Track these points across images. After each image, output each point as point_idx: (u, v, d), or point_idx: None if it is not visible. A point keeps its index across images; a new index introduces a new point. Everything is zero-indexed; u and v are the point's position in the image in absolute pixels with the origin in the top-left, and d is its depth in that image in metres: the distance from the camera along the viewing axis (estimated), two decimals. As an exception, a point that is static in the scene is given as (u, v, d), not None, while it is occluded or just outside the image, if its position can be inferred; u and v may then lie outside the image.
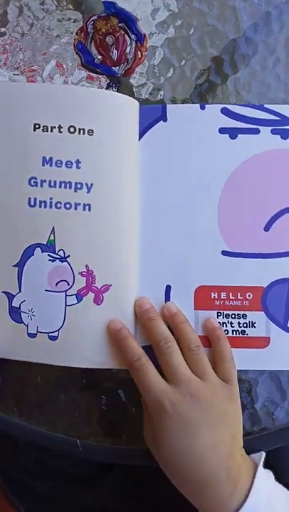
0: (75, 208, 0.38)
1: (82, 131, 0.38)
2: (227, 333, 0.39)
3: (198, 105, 0.41)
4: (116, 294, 0.38)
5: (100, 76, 0.42)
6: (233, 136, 0.41)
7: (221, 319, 0.39)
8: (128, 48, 0.42)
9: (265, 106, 0.41)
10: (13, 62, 0.42)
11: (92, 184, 0.38)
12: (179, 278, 0.40)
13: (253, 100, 0.42)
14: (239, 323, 0.39)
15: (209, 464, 0.34)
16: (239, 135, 0.41)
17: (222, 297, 0.40)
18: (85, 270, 0.38)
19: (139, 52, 0.42)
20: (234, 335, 0.39)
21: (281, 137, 0.40)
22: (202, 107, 0.41)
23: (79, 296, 0.38)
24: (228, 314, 0.40)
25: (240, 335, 0.39)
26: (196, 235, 0.40)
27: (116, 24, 0.42)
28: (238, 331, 0.39)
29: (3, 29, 0.43)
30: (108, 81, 0.42)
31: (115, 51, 0.42)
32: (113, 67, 0.42)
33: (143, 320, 0.38)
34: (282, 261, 0.40)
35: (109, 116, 0.39)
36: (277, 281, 0.40)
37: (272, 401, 0.40)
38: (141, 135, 0.41)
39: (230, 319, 0.39)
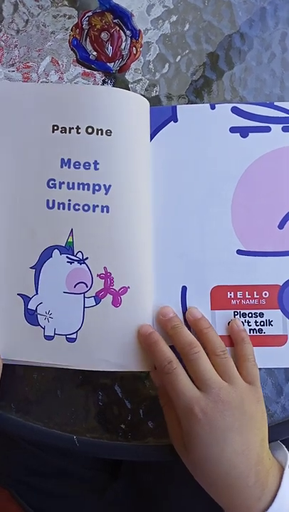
0: (94, 210, 0.38)
1: (100, 131, 0.38)
2: None
3: (208, 105, 0.41)
4: (134, 296, 0.38)
5: (95, 72, 0.42)
6: (244, 135, 0.41)
7: (237, 318, 0.40)
8: (123, 44, 0.42)
9: (275, 104, 0.41)
10: (8, 58, 0.42)
11: (110, 186, 0.38)
12: (194, 279, 0.40)
13: (249, 96, 0.42)
14: (256, 322, 0.39)
15: (239, 470, 0.34)
16: (250, 134, 0.41)
17: (238, 296, 0.40)
18: (103, 272, 0.38)
19: (134, 48, 0.42)
20: (251, 334, 0.39)
21: None
22: (212, 107, 0.41)
23: (97, 298, 0.38)
24: (245, 313, 0.40)
25: (258, 333, 0.39)
26: (211, 235, 0.40)
27: (111, 20, 0.42)
28: (255, 329, 0.39)
29: (-2, 26, 0.42)
30: (103, 77, 0.42)
31: (110, 47, 0.42)
32: (108, 64, 0.42)
33: (167, 328, 0.38)
34: None
35: (125, 115, 0.39)
36: None
37: (268, 396, 0.40)
38: (152, 136, 0.41)
39: (247, 318, 0.40)
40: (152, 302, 0.39)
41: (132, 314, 0.38)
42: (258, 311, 0.40)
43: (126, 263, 0.38)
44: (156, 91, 0.42)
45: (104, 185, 0.38)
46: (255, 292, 0.40)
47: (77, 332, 0.38)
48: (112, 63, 0.42)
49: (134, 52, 0.42)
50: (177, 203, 0.40)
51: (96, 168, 0.38)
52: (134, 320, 0.38)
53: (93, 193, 0.38)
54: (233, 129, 0.41)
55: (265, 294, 0.40)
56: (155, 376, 0.39)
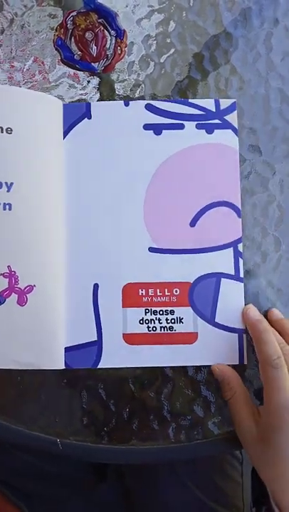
0: None
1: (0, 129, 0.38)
2: (155, 330, 0.39)
3: (122, 102, 0.41)
4: (41, 294, 0.38)
5: (79, 72, 0.42)
6: (157, 132, 0.41)
7: (148, 316, 0.39)
8: (108, 44, 0.42)
9: (190, 101, 0.41)
10: (-8, 58, 0.42)
11: (12, 183, 0.38)
12: (106, 276, 0.40)
13: (234, 96, 0.42)
14: (167, 320, 0.39)
15: None
16: (164, 131, 0.41)
17: (150, 294, 0.40)
18: (7, 271, 0.38)
19: (118, 48, 0.42)
20: (162, 331, 0.39)
21: (206, 132, 0.41)
22: (126, 104, 0.41)
23: (1, 298, 0.38)
24: (156, 311, 0.39)
25: (169, 331, 0.39)
26: (123, 233, 0.40)
27: (95, 20, 0.41)
28: (166, 327, 0.39)
29: (-19, 25, 0.42)
30: (88, 77, 0.42)
31: (95, 47, 0.41)
32: (92, 63, 0.41)
33: (259, 330, 0.38)
34: (208, 256, 0.40)
35: (29, 114, 0.39)
36: (203, 276, 0.40)
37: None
38: (66, 133, 0.41)
39: (158, 316, 0.39)
40: (63, 300, 0.39)
41: (40, 313, 0.38)
42: (169, 309, 0.39)
43: (31, 261, 0.38)
44: (141, 91, 0.42)
45: (6, 183, 0.38)
46: (166, 290, 0.40)
47: None
48: (97, 63, 0.41)
49: (119, 52, 0.41)
50: (91, 200, 0.40)
51: None
52: (42, 318, 0.38)
53: None
54: (146, 126, 0.41)
55: (176, 292, 0.40)
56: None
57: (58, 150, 0.40)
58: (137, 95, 0.42)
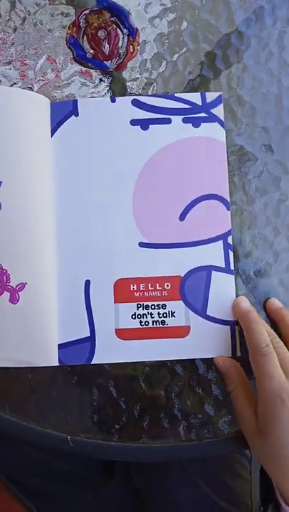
0: None
1: None
2: (147, 325, 0.39)
3: (108, 98, 0.41)
4: (33, 292, 0.38)
5: (91, 70, 0.42)
6: (144, 128, 0.41)
7: (140, 311, 0.40)
8: (120, 42, 0.42)
9: (176, 95, 0.41)
10: (5, 56, 0.42)
11: (0, 182, 0.38)
12: (98, 272, 0.40)
13: (246, 95, 0.42)
14: (159, 314, 0.40)
15: None
16: (151, 126, 0.41)
17: (141, 289, 0.40)
18: None
19: (131, 46, 0.42)
20: (154, 326, 0.39)
21: (193, 125, 0.41)
22: (112, 100, 0.41)
23: None
24: (148, 305, 0.40)
25: (161, 325, 0.40)
26: (113, 228, 0.40)
27: (108, 18, 0.42)
28: (158, 321, 0.40)
29: (-6, 23, 0.42)
30: (100, 75, 0.42)
31: (107, 45, 0.41)
32: (105, 62, 0.41)
33: (248, 320, 0.38)
34: (198, 249, 0.40)
35: (16, 113, 0.39)
36: (194, 270, 0.40)
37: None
38: (53, 131, 0.41)
39: (150, 310, 0.40)
40: (55, 297, 0.39)
41: (32, 310, 0.38)
42: (161, 303, 0.40)
43: (22, 259, 0.38)
44: (153, 89, 0.42)
45: None
46: (157, 284, 0.40)
47: None
48: (109, 61, 0.41)
49: (131, 50, 0.42)
50: (80, 197, 0.40)
51: None
52: (35, 316, 0.38)
53: None
54: (133, 122, 0.41)
55: (168, 286, 0.40)
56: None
57: (46, 148, 0.40)
58: (149, 93, 0.42)
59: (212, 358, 0.39)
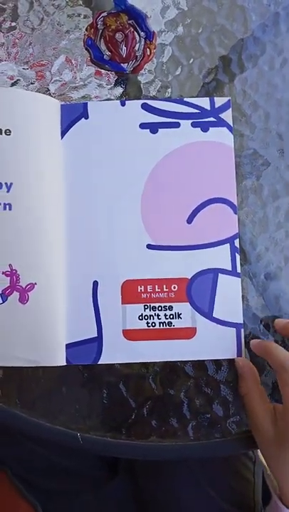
0: None
1: None
2: (154, 326, 0.40)
3: (118, 102, 0.42)
4: (42, 292, 0.39)
5: (108, 72, 0.42)
6: (153, 131, 0.41)
7: (148, 312, 0.40)
8: (137, 45, 0.42)
9: (185, 99, 0.42)
10: (22, 56, 0.43)
11: (11, 183, 0.39)
12: (105, 273, 0.40)
13: (260, 100, 0.42)
14: (166, 315, 0.40)
15: None
16: (160, 129, 0.41)
17: (148, 290, 0.40)
18: (9, 270, 0.38)
19: (148, 49, 0.42)
20: (161, 327, 0.40)
21: (201, 130, 0.41)
22: (122, 104, 0.42)
23: (4, 296, 0.38)
24: (155, 307, 0.40)
25: (167, 326, 0.40)
26: (121, 230, 0.41)
27: (126, 21, 0.42)
28: (164, 322, 0.40)
29: (13, 23, 0.43)
30: (116, 77, 0.43)
31: (124, 48, 0.42)
32: (122, 64, 0.42)
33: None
34: (205, 252, 0.40)
35: (27, 115, 0.40)
36: (201, 272, 0.40)
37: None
38: (63, 133, 0.41)
39: (156, 311, 0.40)
40: (63, 297, 0.40)
41: (41, 310, 0.39)
42: (168, 305, 0.40)
43: (32, 260, 0.39)
44: (168, 92, 0.42)
45: (6, 183, 0.39)
46: (164, 286, 0.40)
47: None
48: (126, 64, 0.42)
49: (148, 53, 0.42)
50: (89, 199, 0.41)
51: None
52: (44, 316, 0.39)
53: None
54: (143, 125, 0.41)
55: (174, 288, 0.40)
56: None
57: (56, 150, 0.41)
58: (164, 97, 0.42)
59: (221, 359, 0.40)
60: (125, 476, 0.57)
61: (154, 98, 0.42)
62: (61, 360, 0.39)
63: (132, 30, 0.42)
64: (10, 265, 0.39)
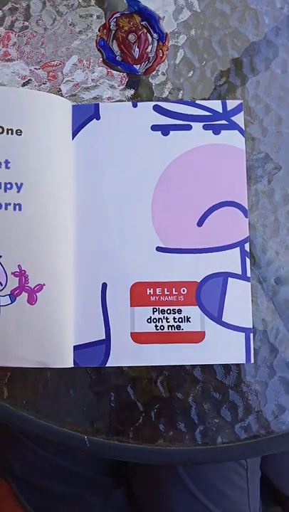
0: (5, 208, 0.38)
1: (10, 131, 0.39)
2: (162, 329, 0.40)
3: (130, 103, 0.41)
4: (50, 293, 0.38)
5: (120, 73, 0.42)
6: (165, 133, 0.41)
7: (156, 315, 0.40)
8: (150, 47, 0.42)
9: (197, 102, 0.41)
10: (34, 56, 0.42)
11: (21, 184, 0.38)
12: (114, 275, 0.40)
13: (272, 103, 0.42)
14: (174, 319, 0.40)
15: None
16: (171, 132, 0.41)
17: (157, 293, 0.40)
18: (18, 270, 0.38)
19: (160, 51, 0.42)
20: (170, 330, 0.40)
21: (213, 132, 0.41)
22: (134, 105, 0.41)
23: (12, 297, 0.38)
24: (164, 310, 0.40)
25: (176, 330, 0.40)
26: (131, 232, 0.40)
27: (139, 22, 0.42)
28: (173, 326, 0.40)
29: (25, 23, 0.43)
30: (128, 79, 0.42)
31: (137, 49, 0.42)
32: (134, 65, 0.42)
33: None
34: (215, 255, 0.40)
35: (38, 116, 0.39)
36: (210, 276, 0.40)
37: (280, 405, 0.40)
38: (74, 134, 0.41)
39: (165, 315, 0.40)
40: (71, 299, 0.39)
41: (49, 311, 0.39)
42: (177, 308, 0.40)
43: (41, 261, 0.39)
44: (180, 94, 0.42)
45: (16, 184, 0.38)
46: (173, 289, 0.40)
47: None
48: (138, 65, 0.42)
49: (161, 55, 0.42)
50: (99, 201, 0.41)
51: (7, 167, 0.38)
52: (52, 317, 0.39)
53: (5, 191, 0.38)
54: (154, 127, 0.41)
55: (184, 291, 0.40)
56: None
57: (66, 151, 0.41)
58: (176, 99, 0.42)
59: (230, 364, 0.40)
60: (128, 485, 0.57)
61: (165, 100, 0.42)
62: (69, 362, 0.39)
63: (145, 31, 0.42)
64: (19, 266, 0.38)
